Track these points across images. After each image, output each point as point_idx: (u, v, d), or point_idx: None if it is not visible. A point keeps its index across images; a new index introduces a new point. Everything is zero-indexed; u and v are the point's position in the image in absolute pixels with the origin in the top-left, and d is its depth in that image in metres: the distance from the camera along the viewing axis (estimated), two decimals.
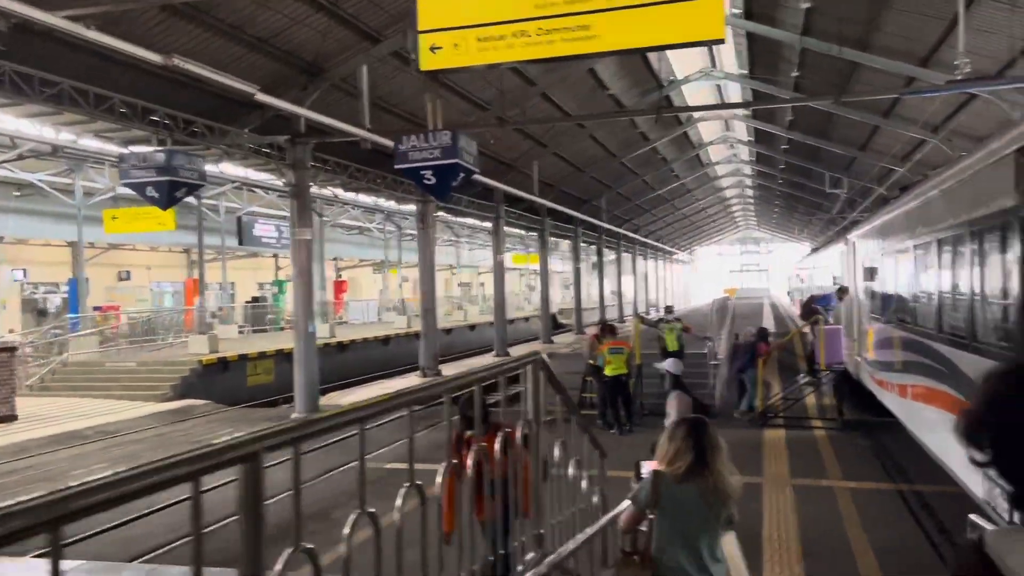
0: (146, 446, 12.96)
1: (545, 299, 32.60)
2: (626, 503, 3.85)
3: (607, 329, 13.75)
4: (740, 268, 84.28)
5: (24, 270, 28.89)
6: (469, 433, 4.00)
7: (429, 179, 10.52)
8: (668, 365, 14.10)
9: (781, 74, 22.21)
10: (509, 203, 27.65)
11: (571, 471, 4.16)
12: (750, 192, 54.19)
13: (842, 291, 16.02)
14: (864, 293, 12.88)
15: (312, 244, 16.10)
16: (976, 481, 6.01)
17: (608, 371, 12.88)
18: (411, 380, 19.63)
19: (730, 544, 4.32)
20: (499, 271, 26.00)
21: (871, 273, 11.60)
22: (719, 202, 57.88)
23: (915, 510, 8.42)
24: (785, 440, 12.03)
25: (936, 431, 7.67)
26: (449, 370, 23.45)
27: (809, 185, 38.55)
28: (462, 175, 10.74)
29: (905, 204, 9.58)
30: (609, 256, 46.01)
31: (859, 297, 13.53)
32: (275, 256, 37.51)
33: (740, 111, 30.37)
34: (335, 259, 43.84)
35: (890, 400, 10.22)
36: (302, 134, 15.08)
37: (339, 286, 41.23)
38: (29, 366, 19.10)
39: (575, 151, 28.37)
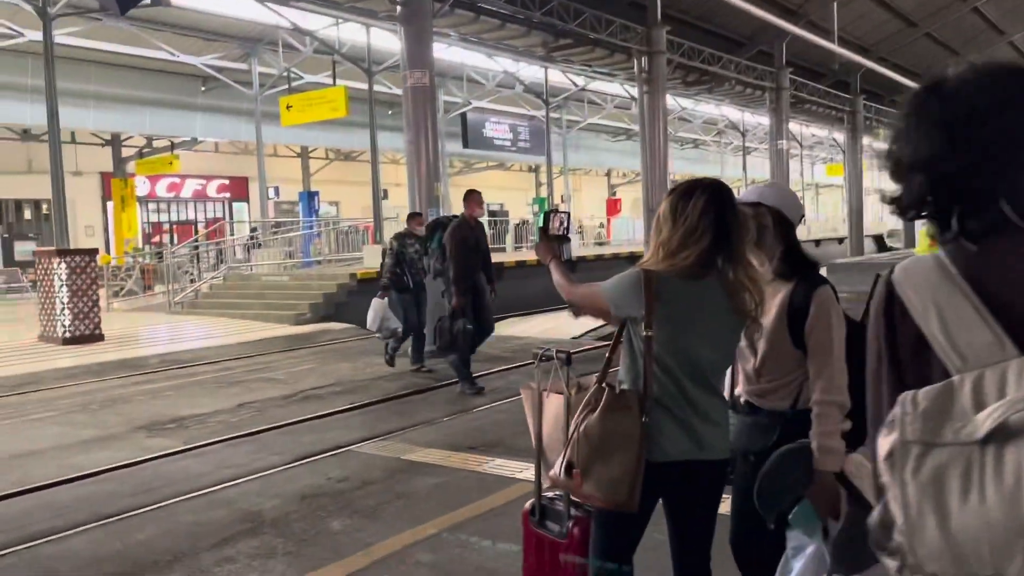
0: (198, 379, 9.23)
1: (858, 210, 24.36)
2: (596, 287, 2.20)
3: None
4: None
5: (276, 188, 27.61)
6: None
7: None
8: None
9: None
10: (795, 71, 20.05)
11: None
12: None
13: None
14: None
15: None
16: None
17: None
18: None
19: None
20: (780, 161, 18.78)
21: None
22: None
23: None
24: None
25: None
26: None
27: None
28: None
29: None
30: None
31: None
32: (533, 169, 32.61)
33: None
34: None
35: None
36: None
37: None
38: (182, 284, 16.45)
39: None
